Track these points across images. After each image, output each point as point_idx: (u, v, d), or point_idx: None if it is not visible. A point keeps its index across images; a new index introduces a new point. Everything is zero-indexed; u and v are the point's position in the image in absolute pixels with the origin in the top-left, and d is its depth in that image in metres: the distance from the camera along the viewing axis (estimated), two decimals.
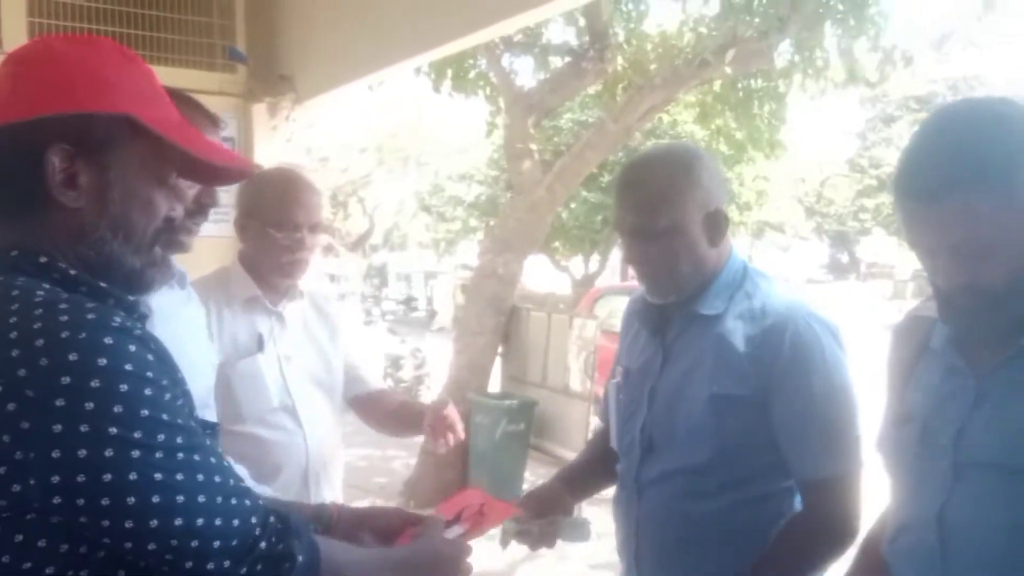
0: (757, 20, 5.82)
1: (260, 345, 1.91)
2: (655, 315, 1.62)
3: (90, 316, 0.88)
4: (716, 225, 1.52)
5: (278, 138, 3.73)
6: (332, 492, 1.99)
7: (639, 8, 6.98)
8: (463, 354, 6.82)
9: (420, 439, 7.13)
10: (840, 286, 25.94)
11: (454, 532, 1.34)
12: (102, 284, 0.98)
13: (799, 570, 1.48)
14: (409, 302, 22.41)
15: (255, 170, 1.47)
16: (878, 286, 27.77)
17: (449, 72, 6.86)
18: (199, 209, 1.50)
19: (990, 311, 1.13)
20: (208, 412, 1.63)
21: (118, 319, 0.90)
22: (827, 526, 1.46)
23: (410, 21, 2.95)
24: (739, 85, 7.16)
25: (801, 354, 1.45)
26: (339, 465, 2.09)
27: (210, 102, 1.62)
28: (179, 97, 1.54)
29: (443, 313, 17.90)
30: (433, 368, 9.51)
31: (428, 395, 9.27)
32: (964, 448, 1.16)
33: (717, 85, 7.19)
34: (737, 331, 1.49)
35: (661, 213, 1.49)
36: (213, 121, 1.55)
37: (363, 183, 28.29)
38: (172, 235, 1.11)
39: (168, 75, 3.25)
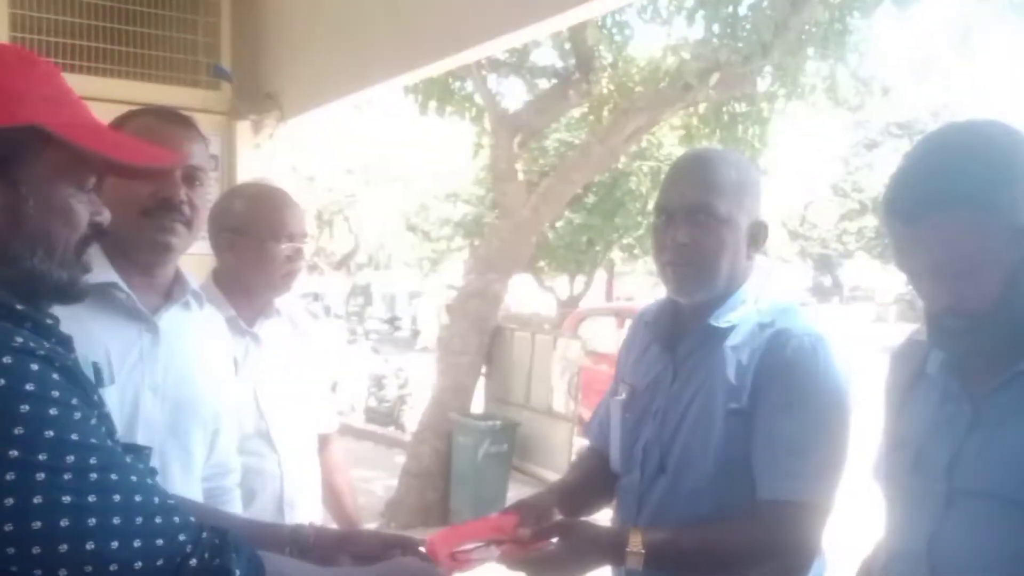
0: (740, 45, 5.88)
1: (234, 369, 1.88)
2: (668, 328, 1.58)
3: None
4: (759, 235, 1.51)
5: (262, 156, 3.71)
6: (308, 518, 1.95)
7: (624, 32, 7.05)
8: (446, 374, 6.80)
9: (401, 459, 7.09)
10: (823, 309, 26.13)
11: (490, 554, 1.32)
12: (19, 307, 0.94)
13: (719, 561, 1.41)
14: (393, 321, 22.36)
15: (183, 164, 1.39)
16: (860, 309, 27.98)
17: (435, 93, 6.88)
18: (162, 205, 1.44)
19: (977, 333, 1.13)
20: (225, 436, 1.62)
21: (20, 339, 0.87)
22: (771, 543, 1.37)
23: (395, 40, 2.95)
24: (724, 109, 7.22)
25: (796, 368, 1.40)
26: (315, 489, 2.05)
27: None
28: (153, 111, 1.53)
29: (427, 333, 17.85)
30: (416, 388, 9.47)
31: (411, 415, 9.22)
32: (958, 475, 1.15)
33: (702, 108, 7.25)
34: (747, 345, 1.45)
35: (725, 199, 1.45)
36: (187, 125, 1.52)
37: (349, 202, 28.28)
38: (101, 239, 1.06)
39: (152, 92, 3.27)
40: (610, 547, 1.37)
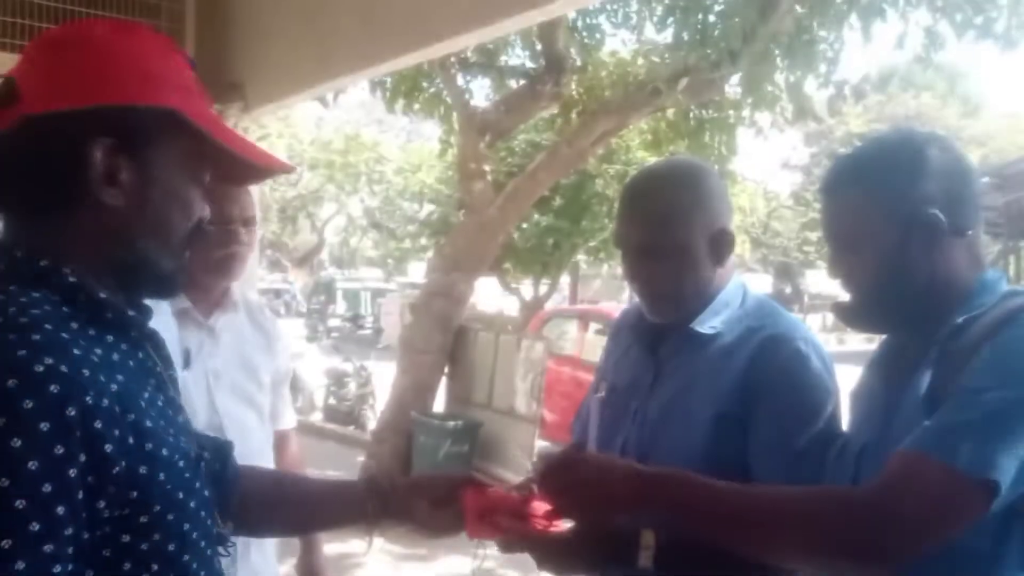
0: (709, 52, 5.93)
1: (186, 361, 1.83)
2: (649, 331, 1.57)
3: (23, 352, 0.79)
4: (721, 244, 1.49)
5: None
6: None
7: (595, 36, 7.07)
8: (408, 373, 6.75)
9: (362, 459, 7.02)
10: None
11: (512, 527, 1.30)
12: (102, 295, 0.91)
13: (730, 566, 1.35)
14: (356, 320, 22.18)
15: (294, 169, 1.35)
16: (820, 317, 28.47)
17: (403, 90, 6.83)
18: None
19: (869, 311, 1.27)
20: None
21: (47, 362, 0.79)
22: None
23: (362, 34, 2.91)
24: (691, 115, 7.27)
25: (794, 373, 1.41)
26: None
27: None
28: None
29: (390, 331, 17.74)
30: (378, 387, 9.39)
31: (371, 414, 9.15)
32: (864, 465, 1.22)
33: (670, 113, 7.30)
34: (735, 351, 1.45)
35: (668, 231, 1.45)
36: None
37: (313, 198, 28.06)
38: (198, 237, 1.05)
39: None
40: (626, 539, 1.32)
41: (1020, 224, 12.38)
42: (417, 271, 25.55)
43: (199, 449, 1.03)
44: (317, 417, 9.83)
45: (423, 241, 18.41)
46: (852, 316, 1.30)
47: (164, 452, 0.89)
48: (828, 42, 6.27)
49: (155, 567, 0.87)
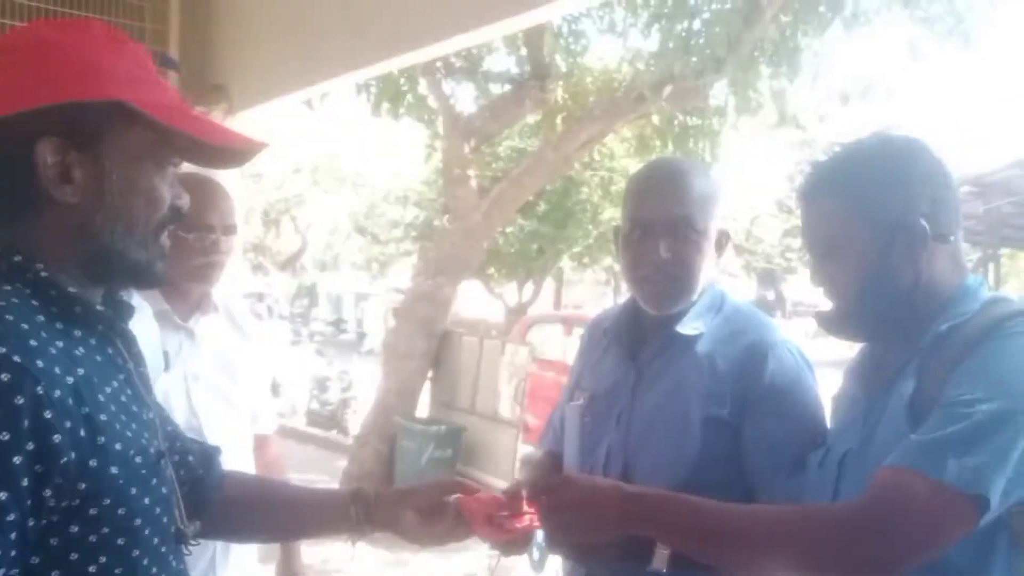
0: (694, 59, 5.95)
1: (166, 363, 1.81)
2: (628, 334, 1.56)
3: None
4: (722, 244, 1.52)
5: None
6: None
7: (580, 42, 7.09)
8: (391, 377, 6.73)
9: (344, 464, 6.99)
10: None
11: (522, 526, 1.29)
12: (71, 290, 0.93)
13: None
14: (339, 324, 22.08)
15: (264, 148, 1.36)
16: (803, 324, 28.63)
17: (388, 94, 6.81)
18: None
19: (852, 319, 1.25)
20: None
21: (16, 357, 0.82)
22: None
23: (347, 36, 2.91)
24: (676, 121, 7.30)
25: (780, 379, 1.42)
26: None
27: None
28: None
29: (373, 336, 17.68)
30: (360, 391, 9.35)
31: (354, 419, 9.10)
32: (846, 471, 1.22)
33: (655, 119, 7.32)
34: (719, 353, 1.45)
35: (701, 210, 1.45)
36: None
37: (296, 202, 27.95)
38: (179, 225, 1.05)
39: None
40: (640, 539, 1.27)
41: (1000, 232, 12.50)
42: (401, 275, 25.48)
43: (166, 446, 1.03)
44: (299, 421, 9.77)
45: (407, 245, 18.37)
46: (835, 325, 1.28)
47: (118, 447, 0.90)
48: (812, 50, 6.32)
49: (103, 559, 0.88)
